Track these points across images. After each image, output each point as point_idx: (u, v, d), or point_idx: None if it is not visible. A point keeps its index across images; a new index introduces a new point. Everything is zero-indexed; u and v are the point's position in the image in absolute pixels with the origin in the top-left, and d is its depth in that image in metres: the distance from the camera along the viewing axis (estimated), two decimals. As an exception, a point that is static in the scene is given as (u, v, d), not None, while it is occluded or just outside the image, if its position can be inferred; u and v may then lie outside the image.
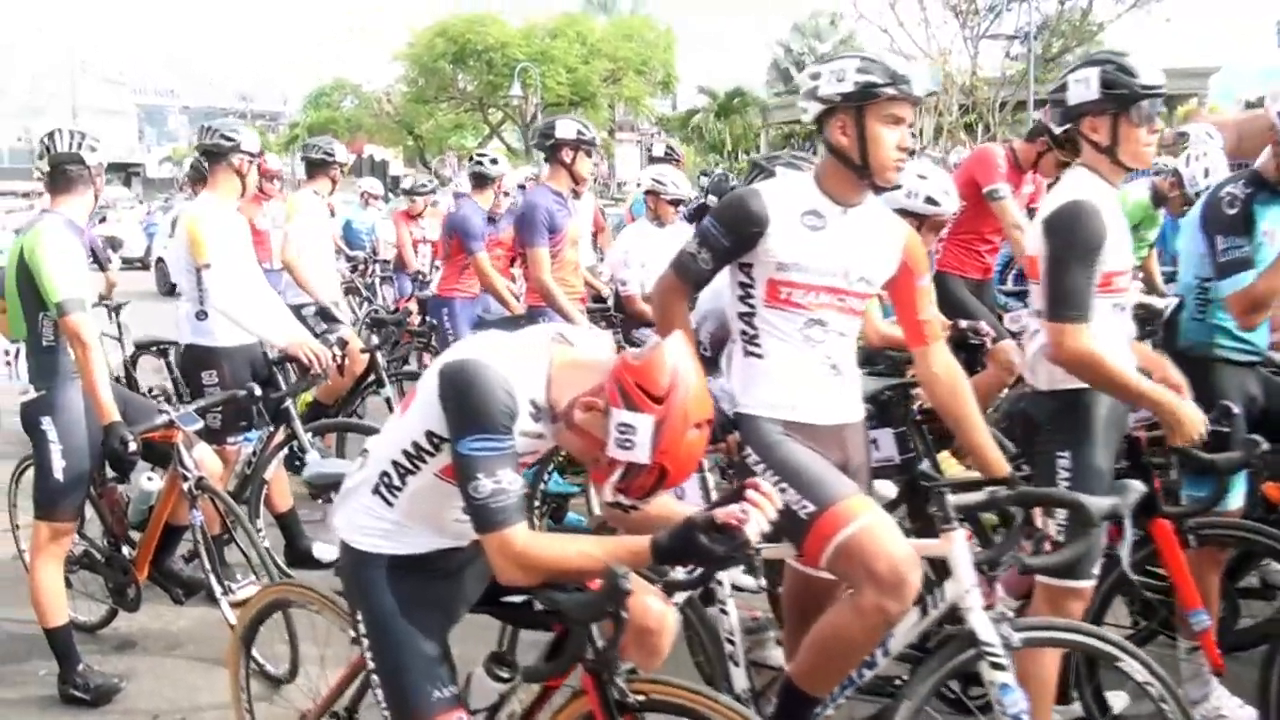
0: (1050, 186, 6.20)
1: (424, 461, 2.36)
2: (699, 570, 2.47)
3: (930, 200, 4.41)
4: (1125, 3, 29.22)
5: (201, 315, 4.92)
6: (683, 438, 2.15)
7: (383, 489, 2.44)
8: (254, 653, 3.32)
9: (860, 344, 3.56)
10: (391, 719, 2.45)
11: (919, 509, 3.65)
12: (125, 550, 4.41)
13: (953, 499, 2.73)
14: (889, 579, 2.63)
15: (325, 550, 5.27)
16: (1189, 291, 3.92)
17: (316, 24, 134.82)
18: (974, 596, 2.66)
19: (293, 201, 6.88)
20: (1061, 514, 3.06)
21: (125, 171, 57.58)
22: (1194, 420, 3.12)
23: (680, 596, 2.88)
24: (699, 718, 2.33)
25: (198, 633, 4.64)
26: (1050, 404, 3.24)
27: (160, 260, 19.72)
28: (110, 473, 4.30)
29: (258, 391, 4.58)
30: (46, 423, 4.02)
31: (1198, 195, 5.47)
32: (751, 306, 2.95)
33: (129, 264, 21.51)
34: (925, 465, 3.90)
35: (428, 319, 7.43)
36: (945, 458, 5.13)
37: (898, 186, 3.24)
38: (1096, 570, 3.15)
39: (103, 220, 21.57)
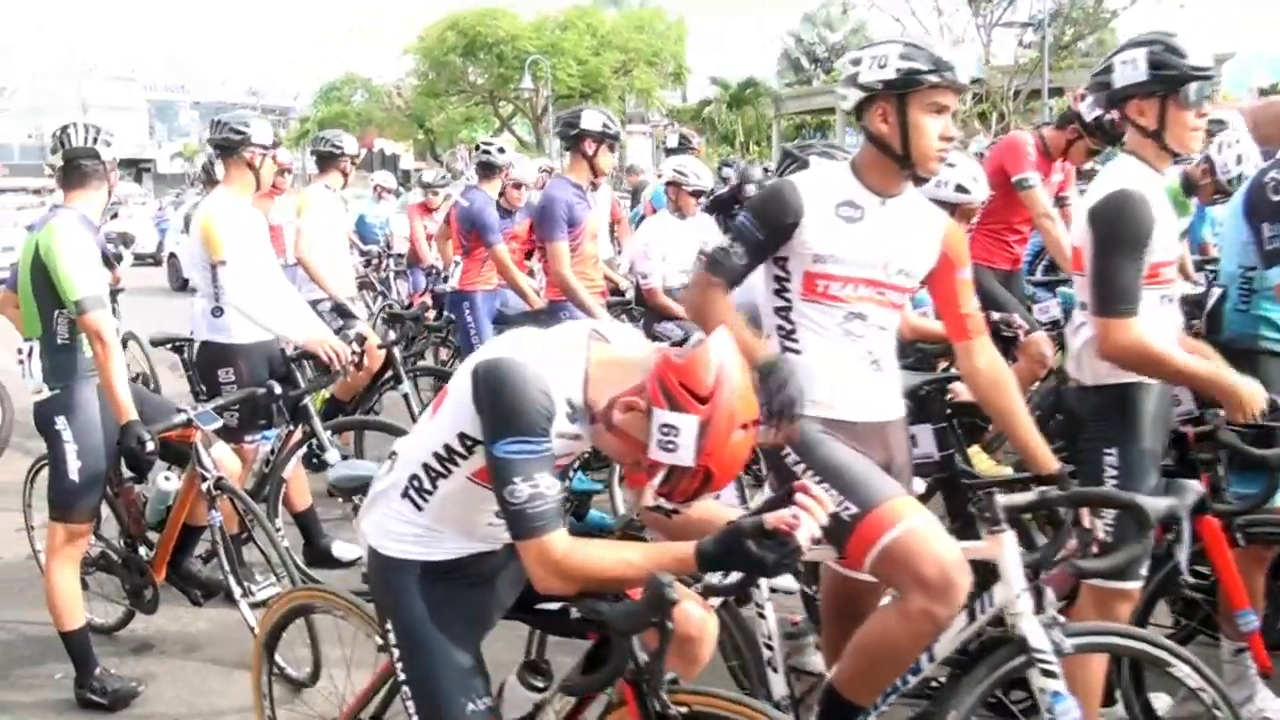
0: (1080, 175, 6.13)
1: (456, 465, 2.27)
2: (741, 575, 2.37)
3: (960, 188, 4.30)
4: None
5: (217, 312, 4.83)
6: (728, 439, 2.05)
7: (412, 493, 2.34)
8: (276, 657, 3.24)
9: None
10: None
11: (958, 508, 3.55)
12: (142, 551, 4.33)
13: (1001, 499, 2.62)
14: (937, 583, 2.54)
15: (345, 549, 5.20)
16: (1232, 281, 3.81)
17: (316, 24, 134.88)
18: (1024, 601, 2.56)
19: (304, 196, 6.78)
20: (1109, 514, 2.96)
21: (136, 167, 57.66)
22: (1255, 395, 3.02)
23: (717, 600, 2.78)
24: (741, 729, 2.23)
25: (217, 635, 4.57)
26: (1095, 399, 3.14)
27: (172, 255, 19.71)
28: (127, 473, 4.22)
29: (277, 390, 4.49)
30: (61, 422, 3.94)
31: (1230, 183, 5.36)
32: (788, 300, 2.85)
33: (141, 259, 21.48)
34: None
35: (445, 314, 7.33)
36: (975, 452, 5.04)
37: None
38: (1144, 571, 3.05)
39: (114, 216, 21.49)
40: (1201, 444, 3.24)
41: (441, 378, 7.05)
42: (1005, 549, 2.60)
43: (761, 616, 2.90)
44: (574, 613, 2.36)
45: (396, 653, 2.39)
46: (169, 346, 5.85)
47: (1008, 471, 4.86)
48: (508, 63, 39.72)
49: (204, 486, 4.07)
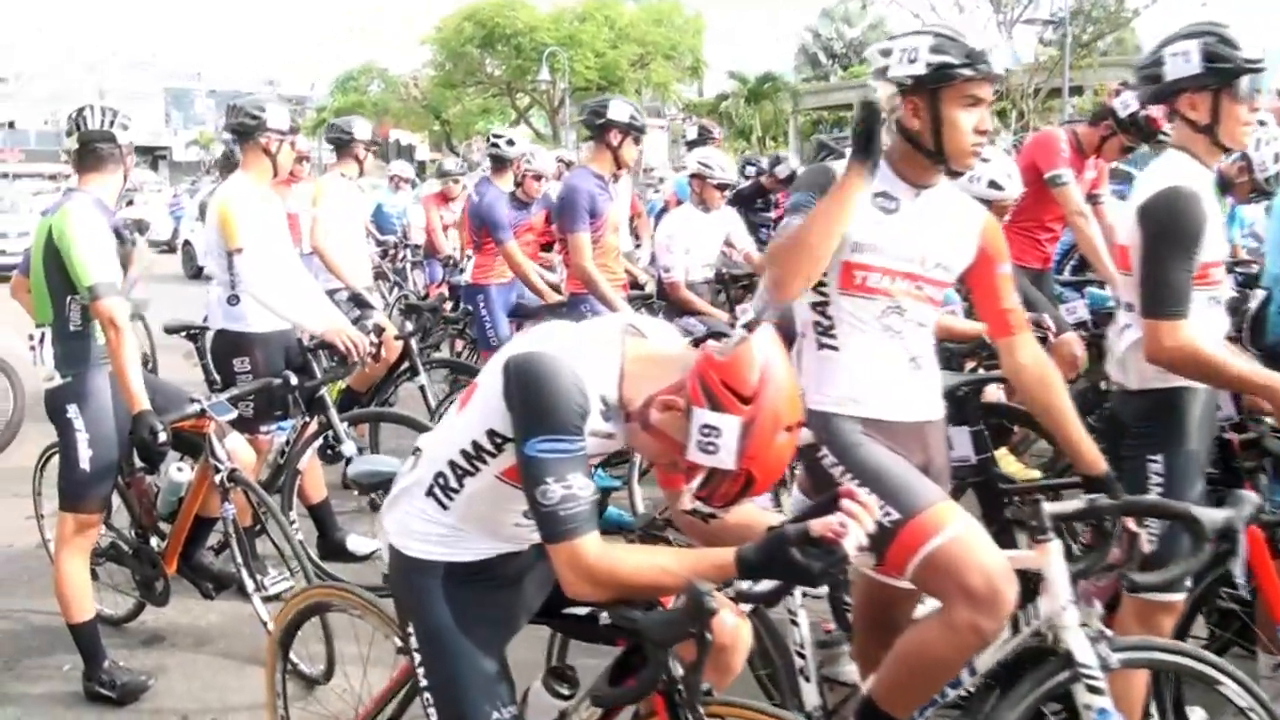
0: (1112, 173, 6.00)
1: (484, 462, 2.17)
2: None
3: (994, 184, 4.19)
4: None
5: (233, 300, 4.74)
6: (772, 442, 1.95)
7: (437, 491, 2.25)
8: (290, 654, 3.15)
9: None
10: None
11: (994, 514, 3.44)
12: (154, 542, 4.26)
13: (1049, 507, 2.51)
14: (983, 594, 2.43)
15: (360, 543, 5.13)
16: (1276, 284, 3.69)
17: (316, 24, 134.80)
18: (1070, 614, 2.45)
19: (320, 185, 6.68)
20: (1154, 522, 2.85)
21: (152, 155, 57.80)
22: None
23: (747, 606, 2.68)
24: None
25: (229, 628, 4.49)
26: (1140, 404, 3.03)
27: (187, 243, 19.69)
28: (139, 463, 4.14)
29: (293, 380, 4.41)
30: (73, 410, 3.85)
31: (1267, 181, 5.25)
32: (825, 294, 2.74)
33: (155, 246, 21.48)
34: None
35: (462, 305, 7.24)
36: (1002, 454, 4.93)
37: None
38: (1189, 582, 2.94)
39: (130, 203, 21.52)
40: (1247, 451, 3.13)
41: (457, 370, 6.97)
42: (1052, 559, 2.50)
43: (794, 623, 2.80)
44: (604, 619, 2.26)
45: (418, 657, 2.29)
46: (183, 334, 5.76)
47: (1035, 474, 4.76)
48: (525, 54, 39.59)
49: (217, 478, 3.99)
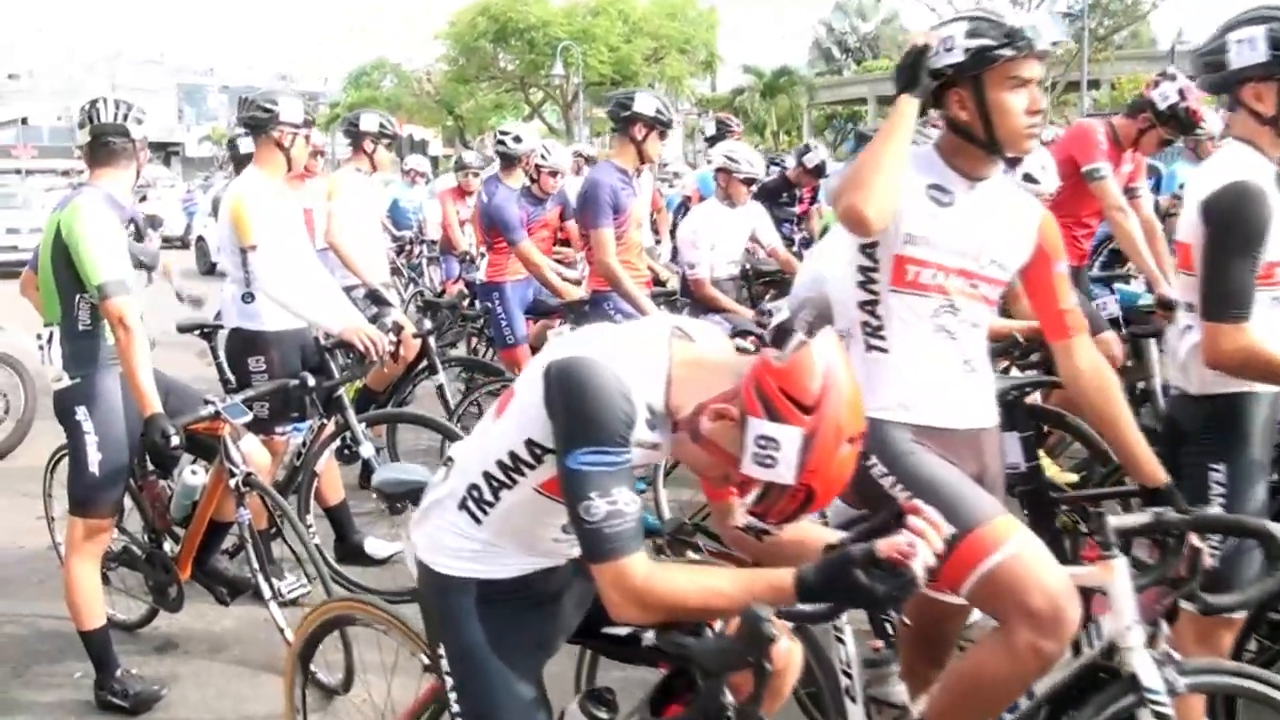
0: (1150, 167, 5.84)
1: (522, 474, 2.03)
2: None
3: (1029, 178, 4.05)
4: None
5: (248, 298, 4.60)
6: (835, 455, 1.80)
7: (471, 504, 2.11)
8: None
9: None
10: None
11: (1044, 523, 3.29)
12: (167, 546, 4.14)
13: (1114, 521, 2.36)
14: (1045, 615, 2.28)
15: (378, 546, 5.01)
16: None
17: (323, 22, 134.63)
18: (1136, 635, 2.31)
19: (335, 179, 6.53)
20: (1217, 536, 2.70)
21: (164, 150, 57.82)
22: None
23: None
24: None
25: (244, 634, 4.37)
26: (1201, 409, 2.88)
27: (200, 239, 19.62)
28: (151, 466, 4.02)
29: (310, 381, 4.27)
30: (82, 412, 3.73)
31: None
32: (875, 293, 2.60)
33: (168, 242, 21.41)
34: None
35: (479, 303, 7.11)
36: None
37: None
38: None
39: (143, 199, 21.50)
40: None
41: (474, 368, 6.85)
42: (1117, 576, 2.35)
43: (840, 641, 2.65)
44: (647, 639, 2.12)
45: (450, 680, 2.16)
46: (196, 333, 5.63)
47: (1072, 478, 4.61)
48: (538, 49, 39.51)
49: (232, 483, 3.86)
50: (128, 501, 4.06)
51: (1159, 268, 5.05)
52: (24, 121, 59.78)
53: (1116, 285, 5.74)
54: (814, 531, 2.08)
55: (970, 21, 2.46)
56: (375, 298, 5.78)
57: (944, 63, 2.48)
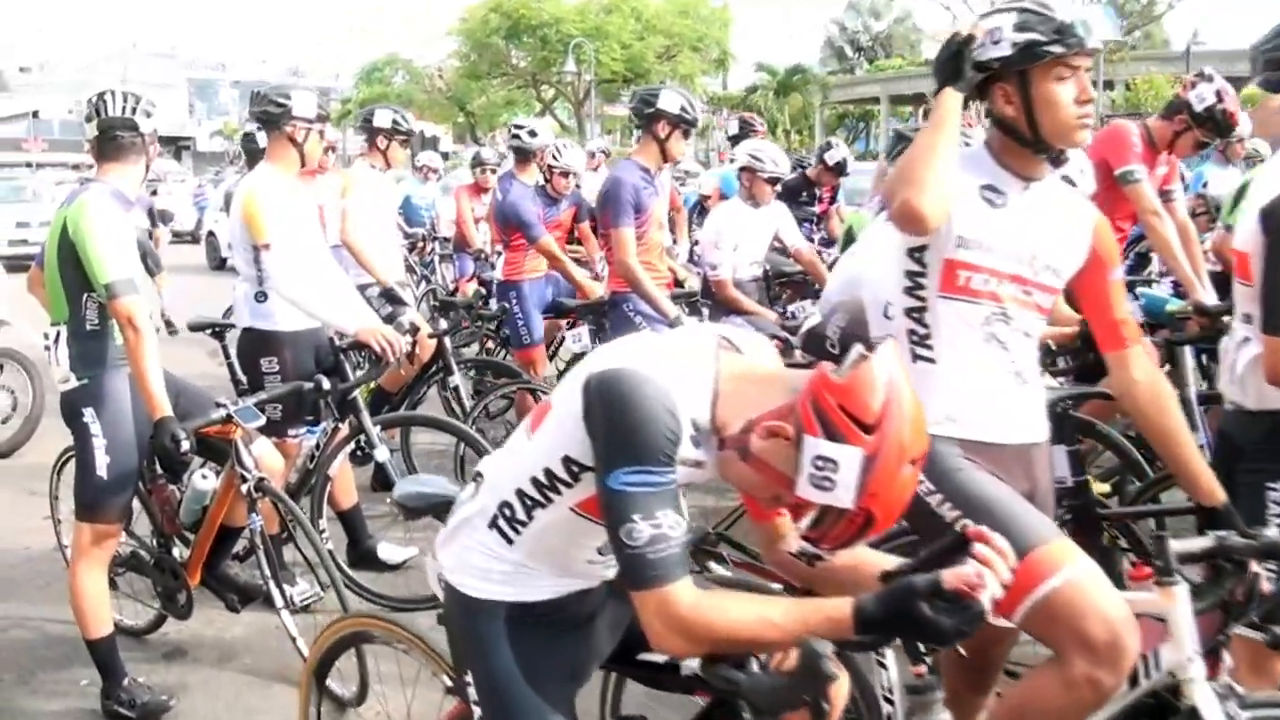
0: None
1: (558, 493, 1.91)
2: None
3: (1065, 180, 3.89)
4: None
5: (260, 297, 4.48)
6: (897, 477, 1.67)
7: (503, 523, 1.98)
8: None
9: None
10: None
11: (1091, 541, 3.15)
12: (176, 552, 4.01)
13: (1175, 545, 2.24)
14: (1104, 645, 2.16)
15: (391, 551, 4.90)
16: None
17: (324, 21, 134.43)
18: (1197, 666, 2.18)
19: (349, 175, 6.41)
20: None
21: (175, 145, 57.82)
22: None
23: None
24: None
25: (254, 642, 4.25)
26: (1259, 425, 2.75)
27: (210, 234, 19.57)
28: (159, 470, 3.91)
29: (325, 385, 4.14)
30: (89, 415, 3.62)
31: None
32: (922, 299, 2.48)
33: (179, 238, 21.35)
34: None
35: (495, 302, 6.98)
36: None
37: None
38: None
39: (153, 194, 21.47)
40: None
41: (487, 369, 6.72)
42: (1178, 604, 2.22)
43: (881, 666, 2.53)
44: (687, 668, 1.99)
45: (478, 711, 2.03)
46: (208, 332, 5.52)
47: (1104, 488, 4.48)
48: (551, 46, 39.41)
49: (244, 488, 3.74)
50: (136, 505, 3.93)
51: (1194, 272, 4.91)
52: (35, 115, 59.80)
53: (1139, 290, 5.60)
54: (868, 556, 1.94)
55: (1019, 14, 2.34)
56: (390, 296, 5.67)
57: (990, 56, 2.37)
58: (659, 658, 2.06)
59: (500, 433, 6.45)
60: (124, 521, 3.81)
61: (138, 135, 3.74)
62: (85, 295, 3.60)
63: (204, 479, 3.91)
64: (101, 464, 3.62)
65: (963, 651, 2.38)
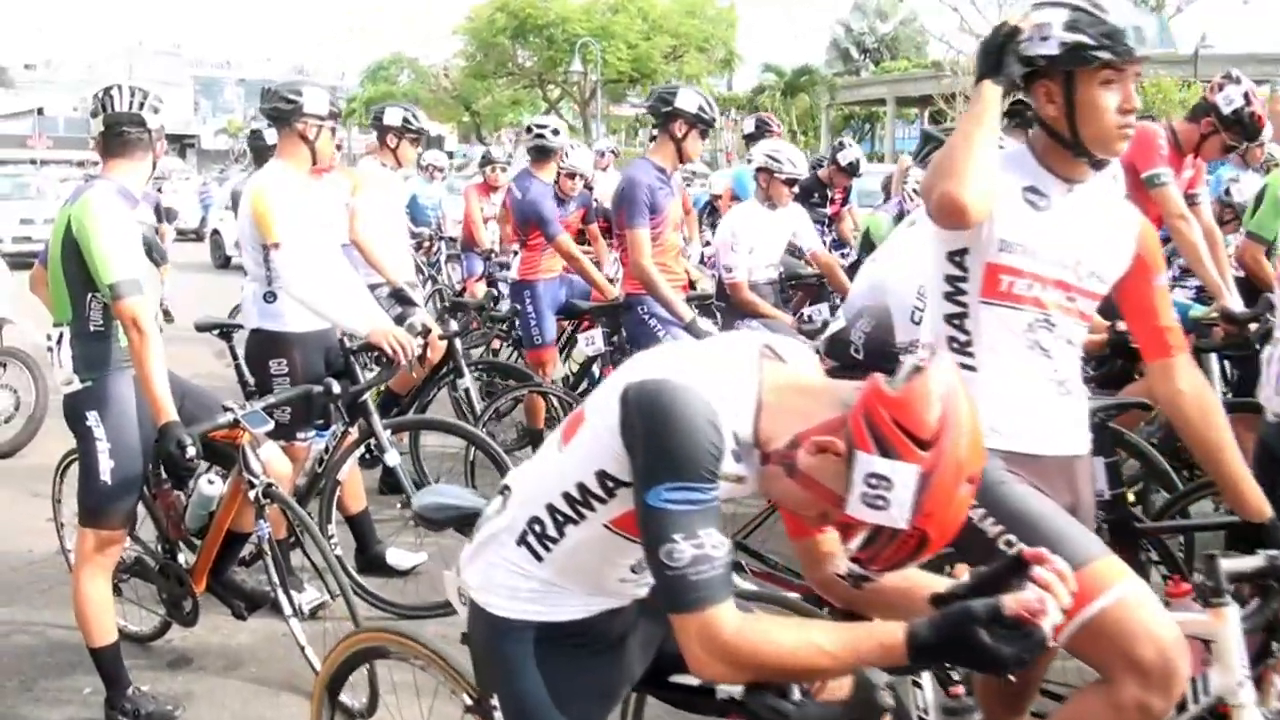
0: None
1: (591, 509, 1.81)
2: None
3: None
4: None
5: (269, 297, 4.38)
6: (954, 496, 1.58)
7: (532, 539, 1.89)
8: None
9: None
10: None
11: (1128, 556, 3.05)
12: (181, 558, 3.92)
13: (1226, 564, 2.14)
14: (1155, 668, 2.06)
15: (400, 556, 4.81)
16: None
17: (319, 23, 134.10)
18: (1247, 691, 2.10)
19: (359, 173, 6.31)
20: None
21: (181, 143, 57.80)
22: None
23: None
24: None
25: (261, 650, 4.16)
26: None
27: (215, 232, 19.50)
28: (164, 474, 3.81)
29: (336, 389, 4.05)
30: (93, 418, 3.52)
31: None
32: (963, 305, 2.39)
33: (183, 235, 21.31)
34: None
35: (509, 302, 6.89)
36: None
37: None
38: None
39: (159, 191, 21.44)
40: None
41: (497, 372, 6.64)
42: (1228, 626, 2.14)
43: (917, 686, 2.43)
44: (723, 693, 1.90)
45: None
46: (215, 333, 5.42)
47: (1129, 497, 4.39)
48: (557, 45, 39.40)
49: (251, 494, 3.65)
50: (141, 510, 3.83)
51: (1220, 277, 4.82)
52: (40, 112, 59.83)
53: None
54: (917, 577, 1.85)
55: (1071, 11, 2.25)
56: (400, 297, 5.59)
57: (1036, 51, 2.28)
58: (692, 680, 1.96)
59: (509, 435, 6.37)
60: (128, 527, 3.72)
61: (145, 131, 3.65)
62: (89, 295, 3.51)
63: (210, 484, 3.81)
64: (105, 468, 3.52)
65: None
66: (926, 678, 2.42)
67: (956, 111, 27.12)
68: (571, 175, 7.04)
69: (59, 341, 3.55)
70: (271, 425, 3.69)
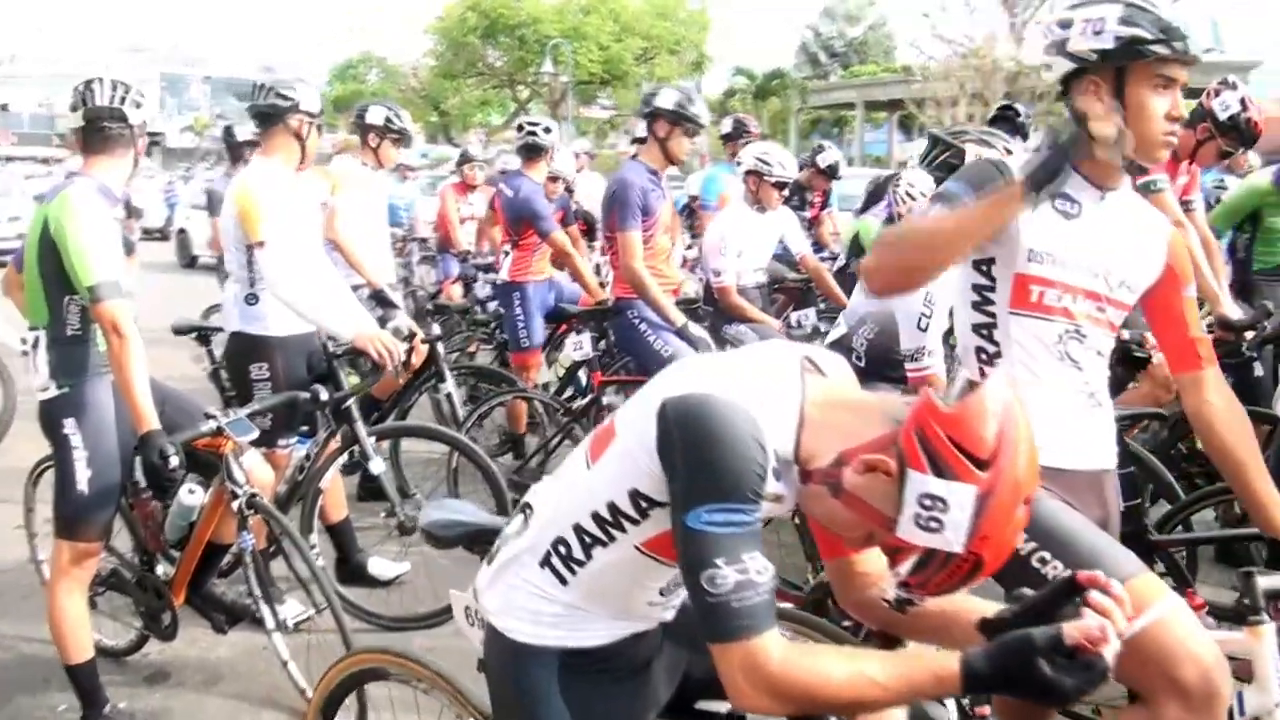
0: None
1: (622, 531, 1.71)
2: None
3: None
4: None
5: (251, 299, 4.26)
6: (1011, 519, 1.50)
7: (557, 561, 1.79)
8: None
9: None
10: None
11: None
12: (160, 570, 3.78)
13: (1264, 582, 2.07)
14: (1197, 690, 1.99)
15: (382, 566, 4.69)
16: None
17: (316, 24, 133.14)
18: None
19: (338, 173, 6.16)
20: None
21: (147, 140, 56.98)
22: None
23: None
24: None
25: (241, 664, 4.03)
26: None
27: (181, 231, 19.22)
28: (142, 482, 3.67)
29: (323, 395, 3.92)
30: (70, 425, 3.39)
31: None
32: (991, 315, 2.31)
33: (149, 234, 20.99)
34: None
35: (494, 303, 6.77)
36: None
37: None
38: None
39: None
40: None
41: (477, 376, 6.52)
42: (1265, 645, 2.07)
43: (940, 702, 2.35)
44: None
45: None
46: (192, 336, 5.26)
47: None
48: (528, 46, 39.25)
49: (235, 505, 3.51)
50: (117, 520, 3.69)
51: (1216, 284, 4.80)
52: (4, 108, 58.94)
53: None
54: (961, 601, 1.75)
55: (1125, 7, 2.19)
56: (380, 299, 5.45)
57: (1089, 46, 2.22)
58: (721, 707, 1.87)
59: (492, 441, 6.25)
60: (105, 539, 3.58)
61: (126, 127, 3.51)
62: (67, 298, 3.37)
63: (191, 494, 3.67)
64: (83, 478, 3.39)
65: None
66: (950, 699, 2.34)
67: (926, 116, 27.19)
68: (554, 178, 6.95)
69: (35, 346, 3.41)
70: (257, 434, 3.56)
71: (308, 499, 4.33)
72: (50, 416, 3.43)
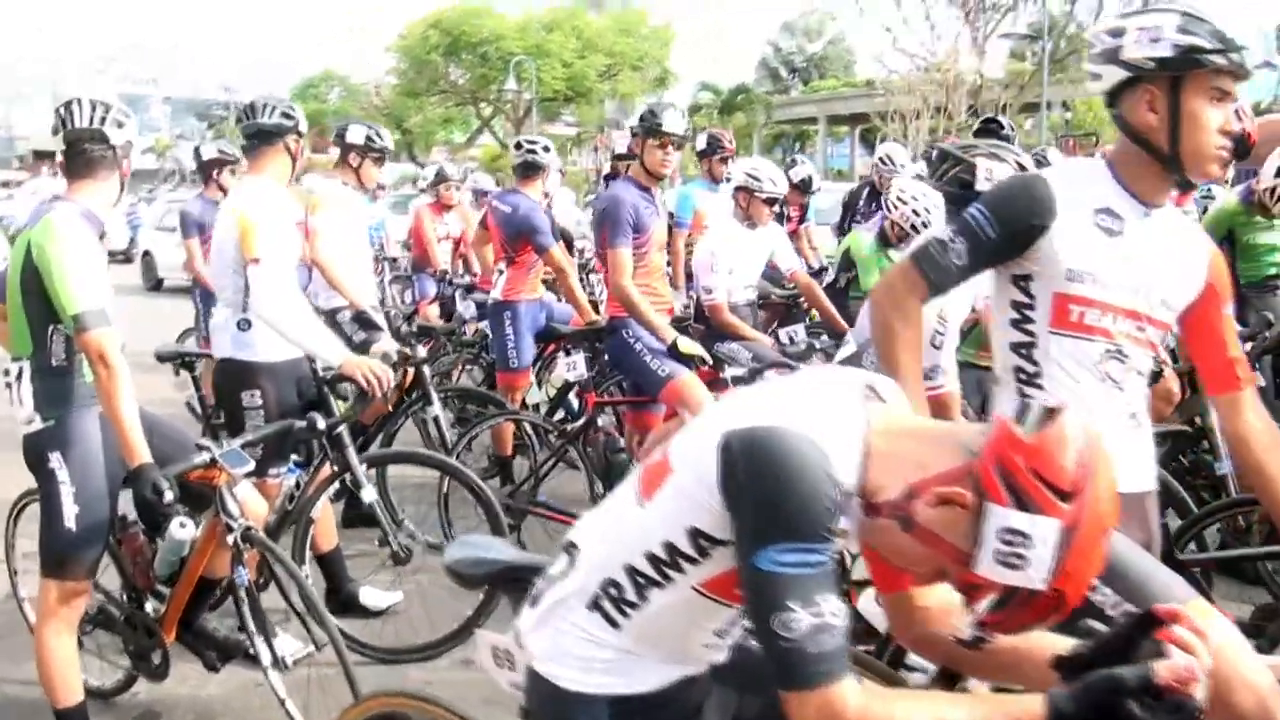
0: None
1: (680, 571, 1.62)
2: None
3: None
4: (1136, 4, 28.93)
5: (244, 325, 4.14)
6: (1095, 552, 1.43)
7: (607, 604, 1.69)
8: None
9: None
10: None
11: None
12: (149, 607, 3.65)
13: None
14: (1254, 717, 1.93)
15: (374, 596, 4.57)
16: None
17: (316, 24, 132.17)
18: None
19: (316, 193, 6.03)
20: None
21: (107, 162, 56.32)
22: None
23: None
24: None
25: (235, 701, 3.90)
26: None
27: (147, 254, 18.98)
28: (132, 515, 3.54)
29: (320, 424, 3.80)
30: (56, 459, 3.27)
31: None
32: (1031, 334, 2.26)
33: (112, 257, 20.61)
34: None
35: (484, 322, 6.67)
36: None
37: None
38: None
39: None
40: None
41: (463, 399, 6.41)
42: None
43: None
44: None
45: None
46: (177, 363, 5.13)
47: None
48: (491, 63, 39.26)
49: (230, 539, 3.39)
50: (104, 557, 3.57)
51: None
52: (-42, 131, 58.14)
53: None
54: (1033, 638, 1.68)
55: (1181, 16, 2.15)
56: (363, 320, 5.35)
57: (1145, 54, 2.17)
58: None
59: (480, 465, 6.14)
60: (93, 577, 3.45)
61: (108, 148, 3.40)
62: (51, 328, 3.25)
63: (182, 528, 3.53)
64: (70, 514, 3.26)
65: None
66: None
67: (890, 129, 27.34)
68: (545, 194, 6.85)
69: (19, 378, 3.29)
70: (252, 465, 3.44)
71: (299, 529, 4.22)
72: (36, 451, 3.30)
